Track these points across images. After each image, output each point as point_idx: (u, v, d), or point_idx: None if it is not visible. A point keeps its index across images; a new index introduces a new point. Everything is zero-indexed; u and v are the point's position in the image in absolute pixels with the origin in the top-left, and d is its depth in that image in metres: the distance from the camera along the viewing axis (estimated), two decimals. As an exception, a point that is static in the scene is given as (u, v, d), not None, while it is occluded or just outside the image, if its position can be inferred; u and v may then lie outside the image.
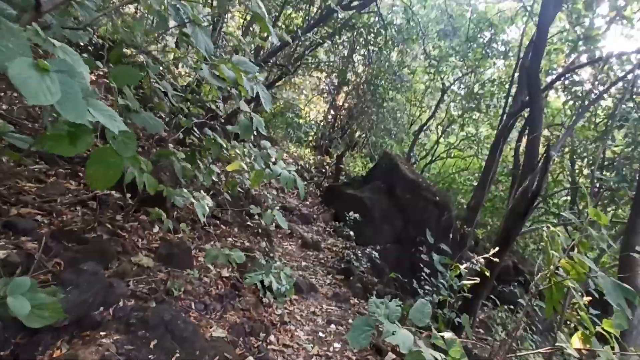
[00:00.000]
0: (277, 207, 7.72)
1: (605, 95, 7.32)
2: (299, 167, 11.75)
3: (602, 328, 2.10)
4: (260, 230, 6.30)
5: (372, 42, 11.19)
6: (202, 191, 3.37)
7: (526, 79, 4.68)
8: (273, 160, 3.68)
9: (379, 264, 6.15)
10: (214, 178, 3.54)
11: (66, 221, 3.16)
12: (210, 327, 3.05)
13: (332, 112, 15.16)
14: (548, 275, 2.23)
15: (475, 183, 13.11)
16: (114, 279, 2.80)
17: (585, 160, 9.64)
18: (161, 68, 5.67)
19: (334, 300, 4.89)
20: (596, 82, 6.31)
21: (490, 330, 6.83)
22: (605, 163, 7.76)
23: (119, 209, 3.94)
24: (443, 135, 16.20)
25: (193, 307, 3.22)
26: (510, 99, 10.13)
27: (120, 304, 2.57)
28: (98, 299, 2.43)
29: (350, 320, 4.39)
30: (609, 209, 8.00)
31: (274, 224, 6.82)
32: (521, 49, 9.02)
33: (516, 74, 10.02)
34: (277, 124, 18.60)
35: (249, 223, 6.08)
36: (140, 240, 3.69)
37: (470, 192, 13.86)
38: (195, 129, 3.88)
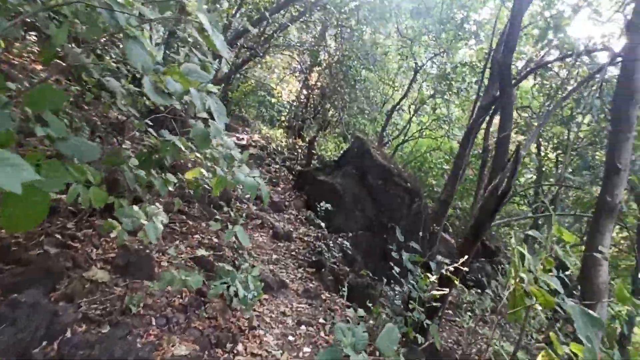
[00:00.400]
0: (248, 196, 7.49)
1: (572, 81, 7.37)
2: (271, 150, 11.46)
3: (571, 350, 2.07)
4: (229, 224, 6.08)
5: (344, 22, 10.79)
6: (158, 203, 3.11)
7: (498, 72, 4.56)
8: (237, 162, 3.42)
9: (350, 253, 6.10)
10: (170, 189, 3.26)
11: (5, 238, 2.86)
12: (172, 345, 2.89)
13: (304, 91, 14.76)
14: (514, 296, 2.17)
15: (446, 167, 13.27)
16: (62, 303, 2.56)
17: (551, 143, 9.83)
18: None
19: (305, 297, 4.80)
20: (564, 70, 6.31)
21: (459, 310, 7.02)
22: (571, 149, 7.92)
23: (71, 215, 3.63)
24: (415, 115, 16.17)
25: (154, 322, 3.03)
26: (483, 85, 10.13)
27: (68, 333, 2.35)
28: (40, 333, 2.19)
29: (321, 320, 4.32)
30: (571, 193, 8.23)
31: (244, 214, 6.63)
32: (494, 32, 8.91)
33: (489, 62, 9.95)
34: (249, 102, 18.04)
35: (217, 217, 5.84)
36: (94, 250, 3.41)
37: (441, 174, 14.03)
38: (151, 131, 3.55)
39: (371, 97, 16.78)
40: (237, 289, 3.51)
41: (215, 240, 5.22)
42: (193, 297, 3.62)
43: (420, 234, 6.03)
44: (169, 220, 3.83)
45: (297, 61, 14.93)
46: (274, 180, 8.65)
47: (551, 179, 9.14)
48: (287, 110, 15.74)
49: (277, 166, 10.40)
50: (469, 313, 6.50)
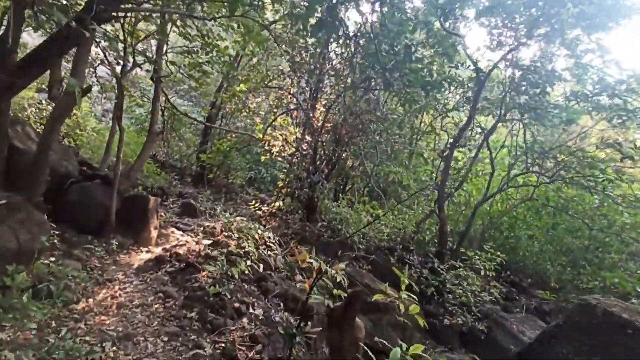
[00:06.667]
0: None
1: None
2: (252, 274, 4.90)
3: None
4: None
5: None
6: None
7: None
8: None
9: None
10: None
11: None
12: None
13: (307, 138, 8.49)
14: None
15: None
16: None
17: None
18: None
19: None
20: None
21: None
22: None
23: None
24: (482, 149, 9.61)
25: None
26: None
27: None
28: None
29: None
30: None
31: None
32: None
33: None
34: (232, 165, 11.87)
35: None
36: None
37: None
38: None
39: (397, 133, 10.48)
40: None
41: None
42: None
43: None
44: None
45: (293, 92, 8.80)
46: None
47: None
48: (285, 171, 9.44)
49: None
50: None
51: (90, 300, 3.90)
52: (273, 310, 4.41)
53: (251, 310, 4.15)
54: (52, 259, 4.12)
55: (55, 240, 4.59)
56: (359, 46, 3.81)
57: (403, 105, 3.85)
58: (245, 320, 3.96)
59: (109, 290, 4.23)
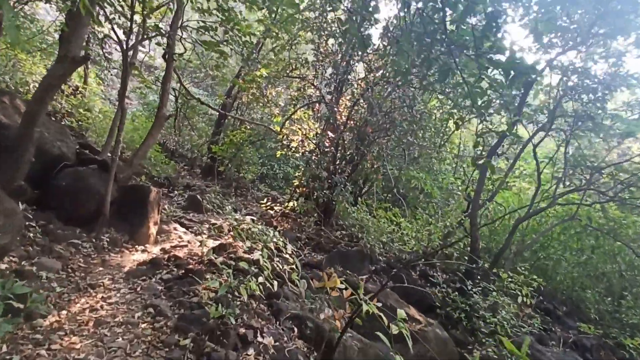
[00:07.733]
0: None
1: None
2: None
3: None
4: None
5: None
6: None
7: None
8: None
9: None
10: None
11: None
12: None
13: (330, 134, 7.64)
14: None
15: None
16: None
17: None
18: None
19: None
20: None
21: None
22: None
23: None
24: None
25: None
26: None
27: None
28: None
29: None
30: None
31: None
32: None
33: None
34: (245, 159, 11.08)
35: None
36: None
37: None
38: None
39: (424, 135, 9.59)
40: None
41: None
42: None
43: None
44: None
45: (316, 83, 7.97)
46: None
47: None
48: (301, 169, 8.61)
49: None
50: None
51: (64, 312, 3.13)
52: (286, 338, 3.59)
53: (259, 339, 3.33)
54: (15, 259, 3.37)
55: (31, 234, 3.84)
56: (421, 14, 2.91)
57: (469, 98, 2.92)
58: (251, 352, 3.14)
59: (89, 299, 3.46)
